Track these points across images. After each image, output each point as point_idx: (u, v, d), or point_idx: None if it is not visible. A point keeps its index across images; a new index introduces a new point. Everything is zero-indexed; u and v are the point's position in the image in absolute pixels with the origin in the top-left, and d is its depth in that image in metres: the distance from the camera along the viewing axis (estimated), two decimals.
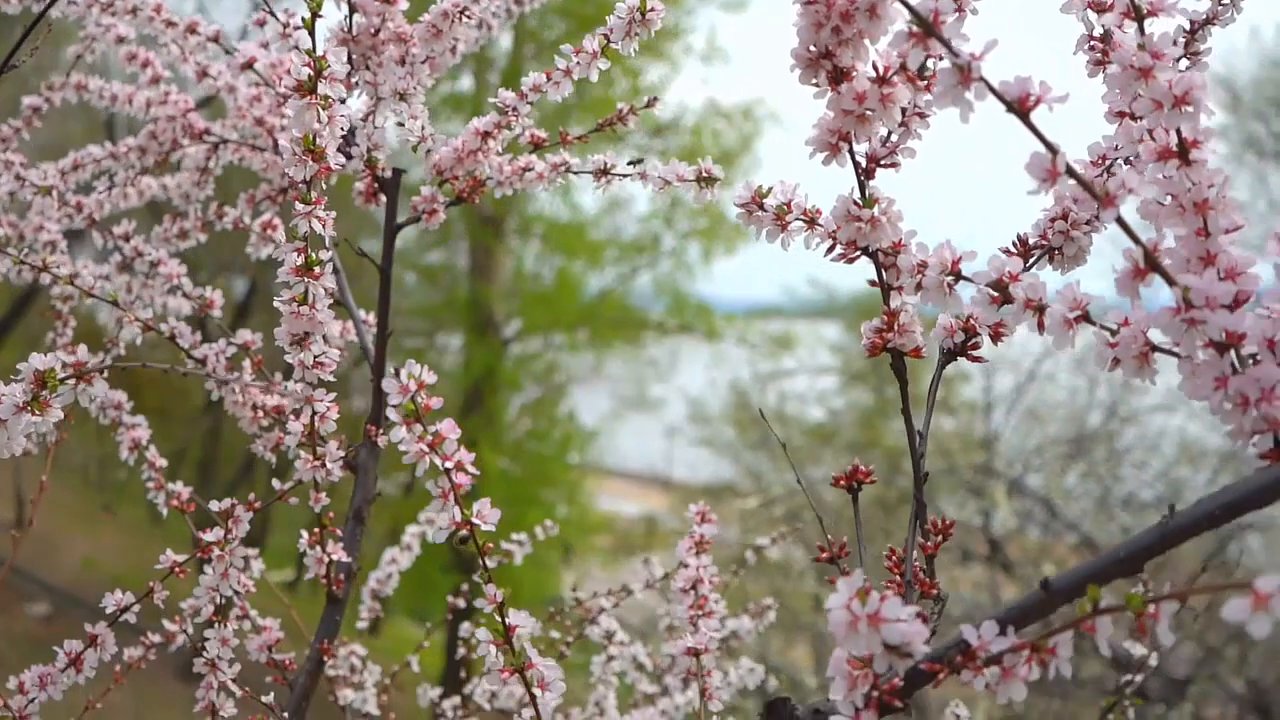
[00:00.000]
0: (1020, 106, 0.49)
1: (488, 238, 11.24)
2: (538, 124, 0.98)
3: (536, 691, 0.63)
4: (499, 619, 0.64)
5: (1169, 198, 0.53)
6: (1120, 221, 0.50)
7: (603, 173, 0.94)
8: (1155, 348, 0.53)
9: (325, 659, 0.97)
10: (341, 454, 0.89)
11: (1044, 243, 0.66)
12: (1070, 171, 0.49)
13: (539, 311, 11.68)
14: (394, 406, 0.59)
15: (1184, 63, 0.70)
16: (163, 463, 1.09)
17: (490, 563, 0.63)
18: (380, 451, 0.98)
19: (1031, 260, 0.67)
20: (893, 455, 8.05)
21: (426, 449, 0.60)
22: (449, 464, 0.60)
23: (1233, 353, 0.51)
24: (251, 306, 11.44)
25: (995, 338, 0.66)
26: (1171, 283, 0.50)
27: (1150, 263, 0.50)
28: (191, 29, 1.09)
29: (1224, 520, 0.48)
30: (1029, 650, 0.49)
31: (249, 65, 1.04)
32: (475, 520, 0.61)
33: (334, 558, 0.95)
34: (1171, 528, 0.48)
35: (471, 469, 0.61)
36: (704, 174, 0.83)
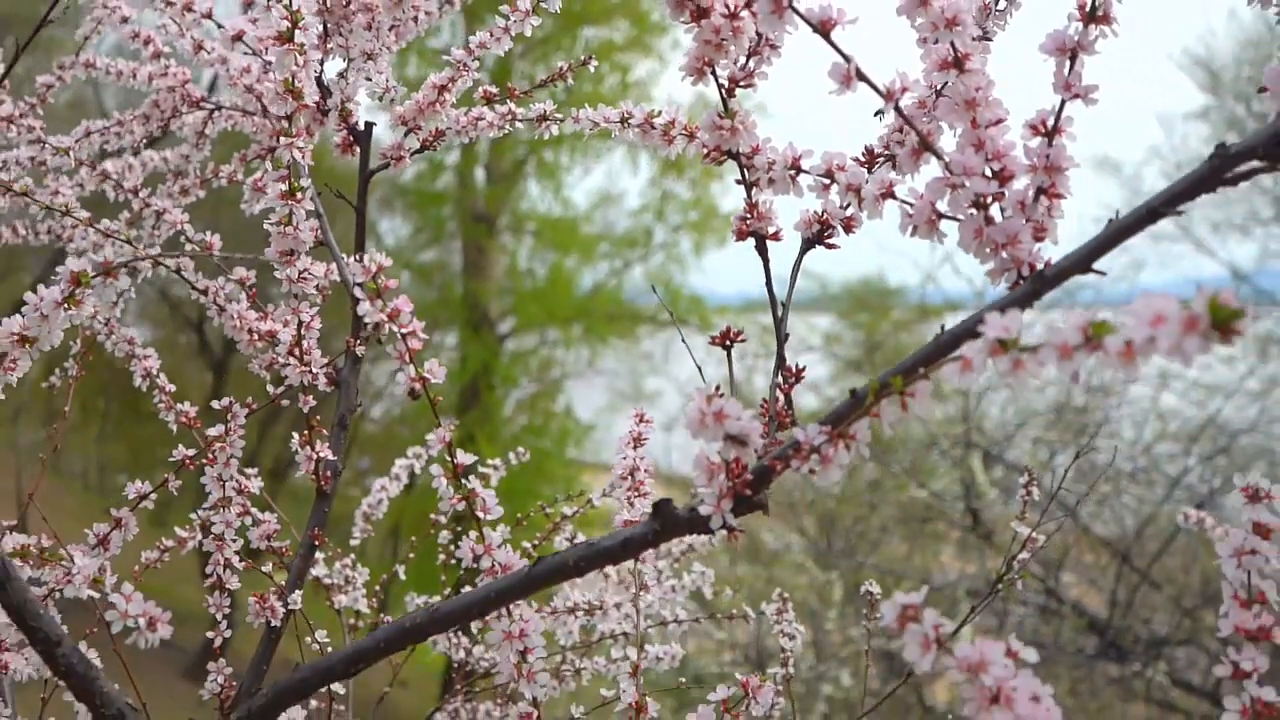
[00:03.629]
0: (823, 28, 0.65)
1: (481, 235, 11.40)
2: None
3: (480, 514, 0.79)
4: (449, 458, 0.79)
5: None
6: (899, 111, 0.66)
7: (542, 119, 1.09)
8: (941, 215, 0.69)
9: (316, 545, 1.12)
10: (325, 361, 1.05)
11: (886, 151, 0.82)
12: (860, 75, 0.65)
13: (533, 307, 11.84)
14: (358, 285, 0.75)
15: (1003, 3, 0.86)
16: (171, 388, 1.25)
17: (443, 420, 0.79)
18: (360, 364, 1.14)
19: (877, 165, 0.82)
20: (888, 444, 8.22)
21: (386, 319, 0.76)
22: (405, 331, 0.76)
23: (997, 211, 0.67)
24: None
25: (847, 229, 0.81)
26: (940, 158, 0.66)
27: (924, 145, 0.66)
28: (188, 7, 1.24)
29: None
30: (839, 438, 0.65)
31: (239, 38, 1.20)
32: (426, 375, 0.77)
33: (322, 456, 1.10)
34: (944, 340, 0.64)
35: (422, 335, 0.77)
36: (626, 116, 0.98)
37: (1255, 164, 0.60)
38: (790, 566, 7.90)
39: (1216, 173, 0.59)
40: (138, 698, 0.79)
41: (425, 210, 11.74)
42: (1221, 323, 0.42)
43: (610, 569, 1.55)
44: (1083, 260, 0.61)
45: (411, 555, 1.58)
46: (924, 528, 6.92)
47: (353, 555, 1.44)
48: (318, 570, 1.41)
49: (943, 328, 0.65)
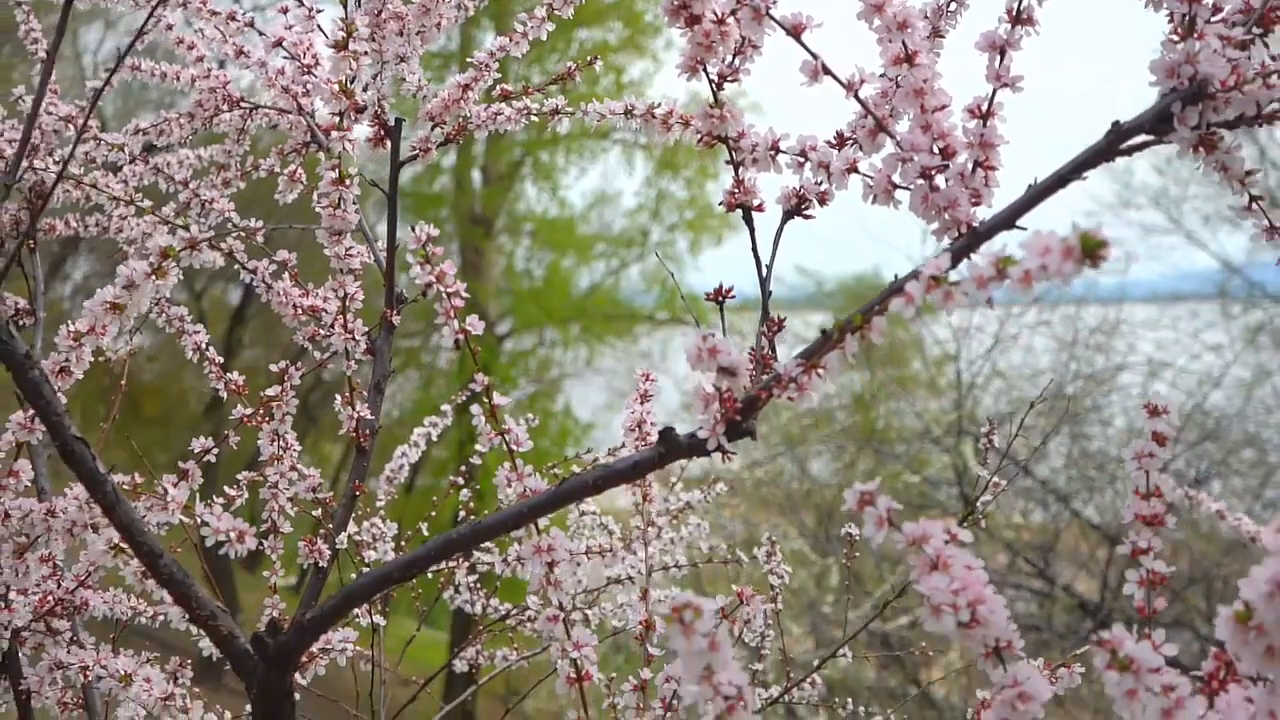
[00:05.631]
0: (795, 31, 0.79)
1: (478, 237, 11.55)
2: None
3: (513, 446, 0.92)
4: (488, 401, 0.93)
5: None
6: (859, 100, 0.80)
7: (555, 113, 1.23)
8: (895, 185, 0.83)
9: (357, 495, 1.26)
10: (366, 329, 1.18)
11: (853, 134, 0.96)
12: (825, 70, 0.78)
13: (531, 308, 11.98)
14: (411, 251, 0.89)
15: (953, 5, 0.99)
16: (220, 359, 1.38)
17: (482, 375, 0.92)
18: (394, 334, 1.28)
19: (847, 146, 0.96)
20: (885, 437, 8.37)
21: (434, 280, 0.89)
22: (450, 290, 0.90)
23: (942, 181, 0.81)
24: (246, 313, 11.74)
25: (821, 202, 0.95)
26: (893, 137, 0.80)
27: (879, 127, 0.80)
28: (231, 17, 1.38)
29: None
30: (811, 369, 0.78)
31: (278, 43, 1.33)
32: (468, 327, 0.91)
33: (361, 415, 1.24)
34: (895, 285, 0.78)
35: (464, 294, 0.90)
36: (629, 108, 1.12)
37: (1145, 138, 0.74)
38: (791, 560, 8.05)
39: (1113, 145, 0.73)
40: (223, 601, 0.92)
41: (422, 213, 11.87)
42: (1090, 251, 0.56)
43: (614, 527, 1.69)
44: (1007, 219, 0.75)
45: (434, 514, 1.72)
46: (919, 514, 7.07)
47: (381, 513, 1.58)
48: (349, 528, 1.54)
49: (895, 276, 0.78)
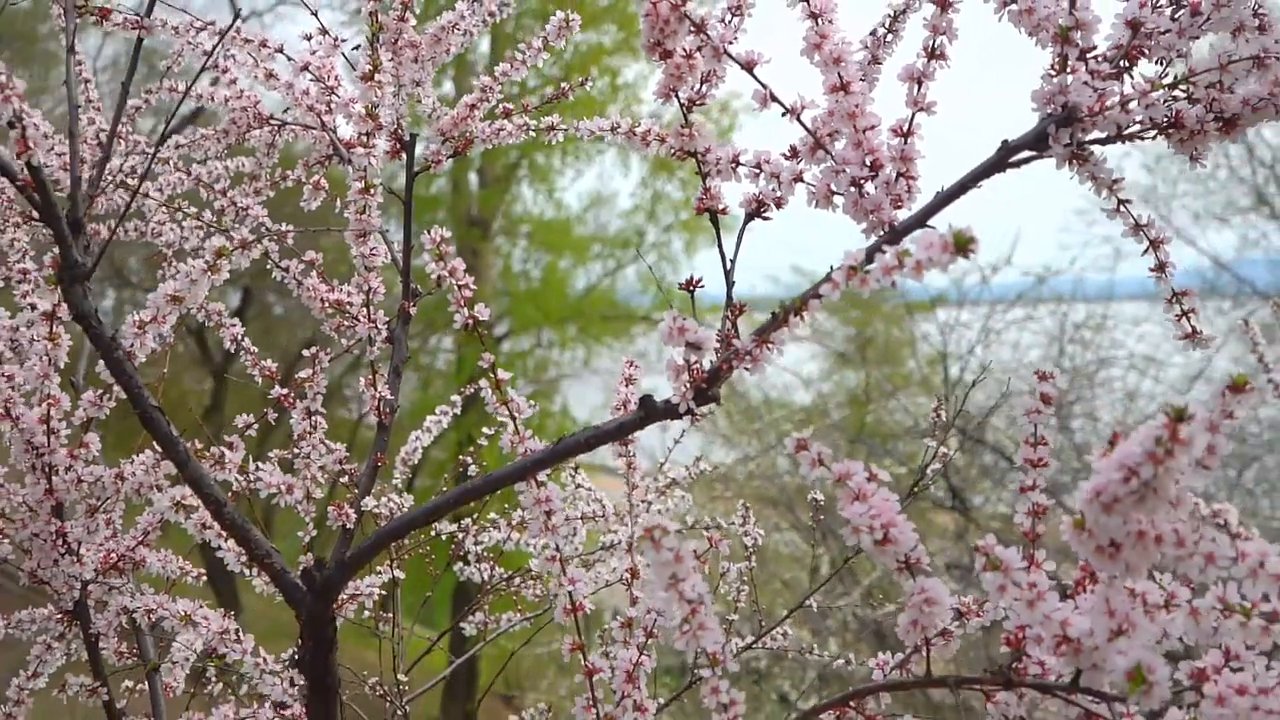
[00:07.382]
0: (748, 66, 0.96)
1: (475, 239, 11.72)
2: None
3: (516, 414, 1.09)
4: (493, 375, 1.10)
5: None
6: (800, 122, 0.97)
7: (551, 128, 1.40)
8: (833, 192, 1.00)
9: (379, 466, 1.43)
10: (388, 318, 1.35)
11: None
12: (773, 97, 0.96)
13: (528, 309, 12.14)
14: (426, 250, 1.06)
15: (890, 36, 1.16)
16: (255, 350, 1.55)
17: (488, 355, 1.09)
18: (410, 323, 1.45)
19: (796, 159, 1.13)
20: (881, 436, 8.54)
21: (447, 274, 1.06)
22: (460, 283, 1.07)
23: (872, 188, 0.98)
24: (246, 315, 11.92)
25: (778, 205, 1.12)
26: (828, 153, 0.97)
27: (818, 144, 0.97)
28: (263, 44, 1.55)
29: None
30: (763, 344, 0.95)
31: (305, 67, 1.50)
32: (476, 314, 1.08)
33: (382, 395, 1.41)
34: (828, 275, 0.95)
35: (472, 286, 1.07)
36: (614, 126, 1.29)
37: (1029, 153, 0.91)
38: (788, 560, 8.23)
39: (1002, 159, 0.90)
40: (268, 536, 1.09)
41: (420, 215, 11.97)
42: (961, 246, 0.73)
43: (607, 502, 1.86)
44: (918, 220, 0.92)
45: (444, 488, 1.88)
46: (910, 506, 7.24)
47: (398, 488, 1.74)
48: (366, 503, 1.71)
49: (827, 270, 0.95)
